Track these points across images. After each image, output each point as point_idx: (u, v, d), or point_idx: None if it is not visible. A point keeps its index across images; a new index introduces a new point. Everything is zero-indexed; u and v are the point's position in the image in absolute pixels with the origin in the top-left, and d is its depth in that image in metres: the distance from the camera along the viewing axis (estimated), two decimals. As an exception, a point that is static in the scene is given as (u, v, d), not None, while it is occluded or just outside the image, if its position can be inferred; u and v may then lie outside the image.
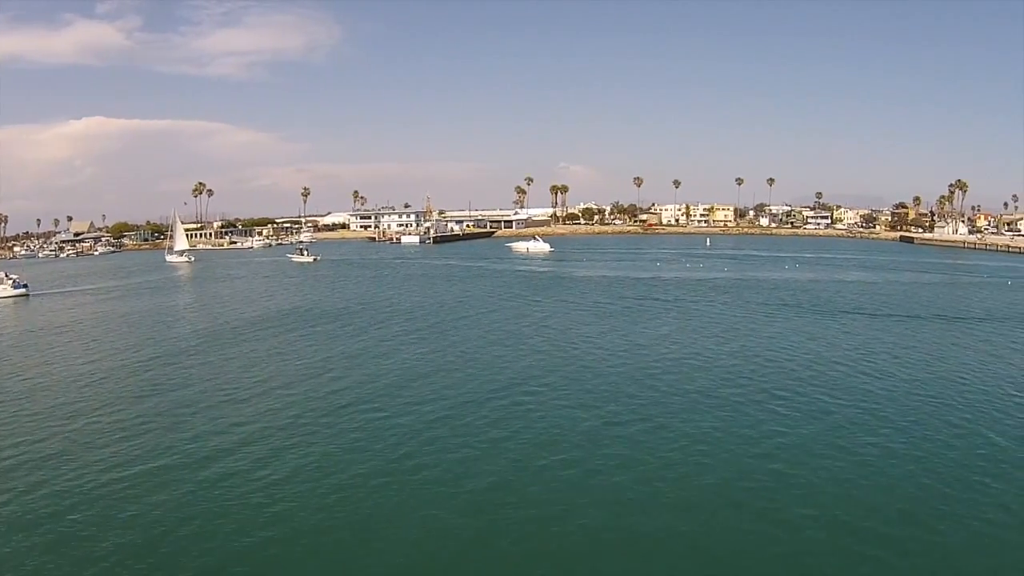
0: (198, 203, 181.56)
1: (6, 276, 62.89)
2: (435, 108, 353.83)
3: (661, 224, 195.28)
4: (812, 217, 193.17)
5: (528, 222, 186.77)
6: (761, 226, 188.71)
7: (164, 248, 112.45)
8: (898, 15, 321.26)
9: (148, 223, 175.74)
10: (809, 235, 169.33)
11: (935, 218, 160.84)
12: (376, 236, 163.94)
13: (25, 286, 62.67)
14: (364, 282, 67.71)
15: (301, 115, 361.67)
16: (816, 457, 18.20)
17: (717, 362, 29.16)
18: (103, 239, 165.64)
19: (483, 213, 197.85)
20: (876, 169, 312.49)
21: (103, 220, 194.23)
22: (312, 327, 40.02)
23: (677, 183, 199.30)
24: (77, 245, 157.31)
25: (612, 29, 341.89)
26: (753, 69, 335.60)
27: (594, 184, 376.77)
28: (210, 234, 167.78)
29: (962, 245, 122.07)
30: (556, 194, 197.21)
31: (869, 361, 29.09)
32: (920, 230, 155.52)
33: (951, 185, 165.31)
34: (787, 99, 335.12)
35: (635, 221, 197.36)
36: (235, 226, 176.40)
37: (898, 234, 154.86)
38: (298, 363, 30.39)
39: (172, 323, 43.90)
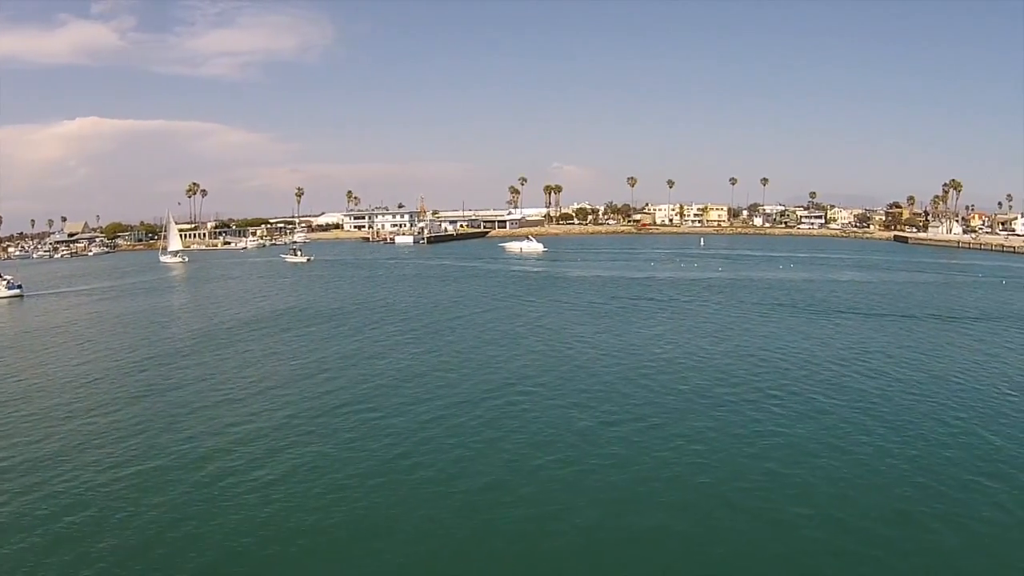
0: (192, 203, 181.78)
1: (0, 277, 62.69)
2: (429, 108, 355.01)
3: (655, 224, 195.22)
4: (806, 217, 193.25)
5: (522, 222, 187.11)
6: (755, 226, 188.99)
7: (158, 248, 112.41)
8: (891, 15, 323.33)
9: (142, 223, 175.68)
10: (803, 235, 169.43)
11: (929, 218, 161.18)
12: (370, 236, 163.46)
13: (19, 287, 62.55)
14: (358, 282, 67.62)
15: (295, 115, 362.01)
16: (810, 456, 18.27)
17: (711, 362, 29.23)
18: (97, 239, 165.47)
19: (477, 213, 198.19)
20: (870, 169, 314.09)
21: (97, 220, 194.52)
22: (306, 327, 39.98)
23: (671, 183, 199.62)
24: (71, 246, 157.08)
25: (606, 29, 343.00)
26: (747, 69, 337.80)
27: (588, 184, 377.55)
28: (204, 234, 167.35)
29: (956, 245, 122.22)
30: (550, 194, 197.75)
31: (863, 361, 29.18)
32: (914, 230, 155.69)
33: (945, 185, 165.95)
34: (781, 99, 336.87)
35: (629, 221, 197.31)
36: (229, 226, 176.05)
37: (892, 234, 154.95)
38: (293, 363, 30.36)
39: (167, 324, 43.78)
